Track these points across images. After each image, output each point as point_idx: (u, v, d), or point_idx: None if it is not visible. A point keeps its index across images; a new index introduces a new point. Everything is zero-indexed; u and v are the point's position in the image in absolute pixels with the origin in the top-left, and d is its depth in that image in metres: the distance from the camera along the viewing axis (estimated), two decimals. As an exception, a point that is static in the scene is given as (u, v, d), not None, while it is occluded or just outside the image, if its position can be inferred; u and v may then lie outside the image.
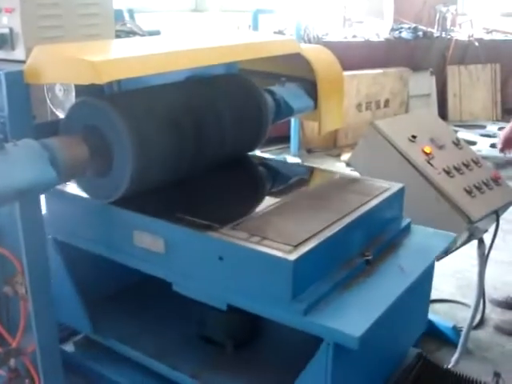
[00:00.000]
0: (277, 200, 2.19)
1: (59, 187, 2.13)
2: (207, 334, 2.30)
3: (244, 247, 1.80)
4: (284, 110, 2.59)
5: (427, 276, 2.33)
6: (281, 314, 1.78)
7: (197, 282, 1.93)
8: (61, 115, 2.48)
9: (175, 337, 2.35)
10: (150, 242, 1.99)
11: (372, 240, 2.14)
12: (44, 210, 2.22)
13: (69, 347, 2.49)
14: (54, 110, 2.53)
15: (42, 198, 2.17)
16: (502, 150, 3.89)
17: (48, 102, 2.54)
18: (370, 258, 2.02)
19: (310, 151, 7.90)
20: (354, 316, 1.75)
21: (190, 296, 1.97)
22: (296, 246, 1.79)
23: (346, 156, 7.24)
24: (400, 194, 2.34)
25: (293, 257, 1.73)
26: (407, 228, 2.35)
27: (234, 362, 2.21)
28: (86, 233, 2.18)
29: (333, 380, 1.77)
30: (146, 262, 2.04)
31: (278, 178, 2.64)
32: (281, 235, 1.86)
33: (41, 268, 1.98)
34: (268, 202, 2.20)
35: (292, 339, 2.02)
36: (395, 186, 2.34)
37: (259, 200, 2.29)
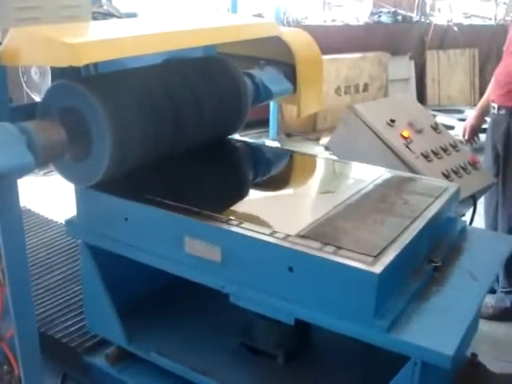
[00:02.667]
0: (334, 202, 2.00)
1: (93, 189, 2.01)
2: (255, 345, 2.13)
3: (319, 258, 1.64)
4: (263, 94, 2.59)
5: None
6: (361, 330, 1.63)
7: (261, 294, 1.75)
8: (37, 98, 2.45)
9: (219, 348, 2.14)
10: (204, 250, 1.82)
11: (436, 244, 1.99)
12: (75, 211, 2.12)
13: (99, 360, 2.26)
14: (30, 93, 2.50)
15: (72, 196, 2.10)
16: (468, 141, 3.92)
17: (24, 85, 2.50)
18: (438, 264, 1.87)
19: (288, 135, 7.91)
20: (441, 332, 1.61)
21: (252, 309, 1.83)
22: (377, 256, 1.63)
23: (324, 140, 7.26)
24: (457, 194, 2.19)
25: (378, 269, 1.57)
26: (464, 230, 2.21)
27: (286, 375, 2.05)
28: (123, 237, 2.00)
29: None
30: (199, 270, 1.86)
31: (317, 175, 2.46)
32: (356, 244, 1.71)
33: (18, 254, 1.97)
34: (325, 204, 2.00)
35: (347, 350, 1.89)
36: (452, 186, 2.20)
37: (313, 201, 2.14)
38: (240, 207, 2.01)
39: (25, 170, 1.80)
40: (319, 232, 1.77)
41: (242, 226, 1.78)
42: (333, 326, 1.69)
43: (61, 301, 2.59)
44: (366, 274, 1.56)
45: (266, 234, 1.74)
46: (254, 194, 2.22)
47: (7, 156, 1.70)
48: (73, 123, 1.93)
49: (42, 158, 1.84)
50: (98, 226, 2.06)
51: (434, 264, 1.87)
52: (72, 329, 2.38)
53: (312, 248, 1.67)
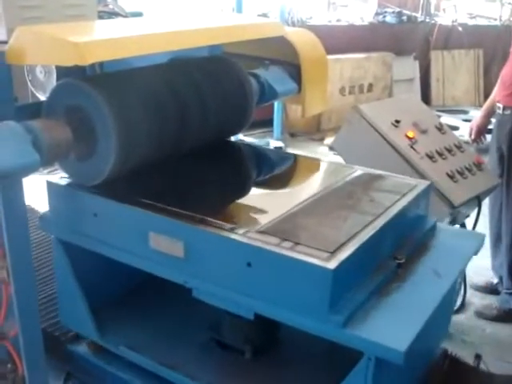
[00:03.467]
0: (300, 198, 2.03)
1: (64, 183, 2.06)
2: (223, 340, 2.16)
3: (276, 253, 1.66)
4: (268, 94, 2.59)
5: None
6: (317, 325, 1.65)
7: (221, 288, 1.79)
8: (42, 97, 2.45)
9: (188, 343, 2.20)
10: (167, 245, 1.84)
11: (401, 241, 2.00)
12: (47, 208, 2.15)
13: (82, 348, 2.34)
14: (35, 91, 2.50)
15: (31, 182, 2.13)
16: (474, 141, 3.92)
17: (29, 83, 2.51)
18: (402, 261, 1.88)
19: (293, 135, 7.90)
20: (396, 328, 1.62)
21: (212, 304, 1.85)
22: (333, 252, 1.65)
23: (329, 140, 7.24)
24: (427, 191, 2.21)
25: (332, 265, 1.59)
26: (433, 228, 2.22)
27: (253, 370, 2.07)
28: (93, 233, 2.03)
29: None
30: (163, 266, 1.89)
31: (292, 173, 2.51)
32: (315, 240, 1.73)
33: (23, 252, 1.97)
34: (291, 200, 2.03)
35: (315, 345, 1.89)
36: (422, 184, 2.21)
37: (280, 198, 2.17)
38: (209, 204, 2.03)
39: (30, 169, 1.80)
40: (279, 228, 1.79)
41: (205, 222, 1.81)
42: (290, 321, 1.71)
43: (49, 292, 2.67)
44: (321, 270, 1.58)
45: (227, 230, 1.76)
46: (225, 191, 2.21)
47: (13, 155, 1.71)
48: (78, 122, 1.93)
49: (48, 157, 1.84)
50: (68, 221, 2.10)
51: (397, 261, 1.88)
52: (57, 319, 2.45)
53: (270, 244, 1.69)
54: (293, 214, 1.90)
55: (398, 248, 1.95)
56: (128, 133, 1.94)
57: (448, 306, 2.30)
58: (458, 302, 3.69)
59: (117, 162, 1.94)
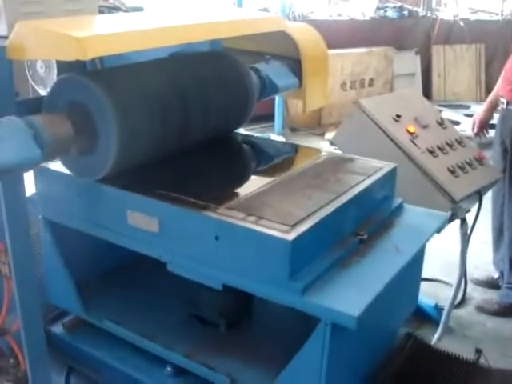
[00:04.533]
0: (271, 179, 2.15)
1: (49, 166, 2.11)
2: (200, 314, 2.27)
3: (240, 227, 1.78)
4: (269, 88, 2.58)
5: (419, 256, 2.32)
6: (278, 293, 1.75)
7: (192, 261, 1.90)
8: (42, 92, 2.45)
9: (168, 317, 2.31)
10: (143, 222, 1.95)
11: (366, 219, 2.12)
12: (34, 189, 2.19)
13: (57, 329, 2.41)
14: (36, 86, 2.50)
15: (31, 176, 2.15)
16: (477, 135, 3.92)
17: (29, 78, 2.51)
18: (364, 237, 2.00)
19: (293, 130, 7.91)
20: (351, 296, 1.73)
21: (184, 276, 1.94)
22: (293, 226, 1.76)
23: (329, 135, 7.25)
24: (392, 173, 2.32)
25: (291, 236, 1.70)
26: (400, 207, 2.33)
27: (228, 342, 2.18)
28: (77, 212, 2.13)
29: (329, 360, 1.75)
30: (140, 241, 1.99)
31: (269, 157, 2.59)
32: (278, 215, 1.84)
33: (24, 247, 1.97)
34: (262, 181, 2.14)
35: (286, 318, 2.00)
36: (388, 166, 2.32)
37: (253, 179, 2.27)
38: (186, 185, 2.09)
39: (32, 164, 1.81)
40: (246, 205, 1.91)
41: (178, 199, 1.91)
42: (255, 290, 1.84)
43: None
44: (280, 241, 1.70)
45: (197, 207, 1.87)
46: (205, 175, 2.25)
47: (15, 149, 1.71)
48: (79, 117, 1.93)
49: (49, 152, 1.85)
50: (55, 202, 2.19)
51: (359, 237, 1.99)
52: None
53: (236, 218, 1.80)
54: (261, 193, 2.02)
55: (362, 225, 2.07)
56: (129, 128, 1.94)
57: (410, 284, 2.39)
58: (459, 297, 3.70)
59: (118, 157, 1.94)
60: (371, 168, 2.28)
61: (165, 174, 2.19)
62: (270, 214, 1.84)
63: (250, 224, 1.78)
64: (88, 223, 2.11)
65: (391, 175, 2.32)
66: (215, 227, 1.82)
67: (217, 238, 1.81)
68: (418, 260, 2.33)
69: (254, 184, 2.10)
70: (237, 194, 2.01)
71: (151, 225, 1.93)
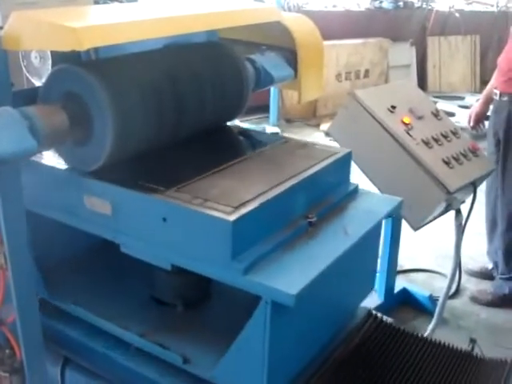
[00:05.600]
0: (228, 164, 2.19)
1: None
2: (158, 296, 2.33)
3: (186, 208, 1.85)
4: (264, 79, 2.58)
5: (373, 238, 2.40)
6: (222, 273, 1.83)
7: (143, 243, 1.97)
8: (37, 83, 2.44)
9: (128, 299, 2.38)
10: (98, 205, 2.02)
11: (317, 203, 2.16)
12: None
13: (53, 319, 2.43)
14: (30, 77, 2.49)
15: None
16: (473, 128, 3.93)
17: (24, 69, 2.50)
18: (313, 220, 2.04)
19: (289, 121, 7.91)
20: (292, 275, 1.79)
21: (136, 257, 2.01)
22: (237, 208, 1.82)
23: (325, 126, 7.26)
24: (346, 158, 2.37)
25: (232, 218, 1.77)
26: (354, 192, 2.38)
27: (184, 322, 2.25)
28: (38, 197, 2.14)
29: (271, 337, 1.81)
30: (96, 224, 2.06)
31: (237, 145, 2.60)
32: (223, 197, 1.90)
33: (20, 238, 1.97)
34: (219, 165, 2.17)
35: (243, 300, 1.99)
36: (342, 151, 2.37)
37: (211, 164, 2.23)
38: (144, 171, 2.12)
39: (27, 155, 1.80)
40: (194, 187, 1.96)
41: (130, 183, 1.97)
42: (200, 270, 1.89)
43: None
44: (222, 222, 1.76)
45: (146, 190, 1.93)
46: (175, 161, 2.27)
47: (10, 140, 1.70)
48: (75, 108, 1.92)
49: (44, 142, 1.84)
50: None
51: (308, 220, 2.03)
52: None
53: (182, 200, 1.87)
54: (212, 176, 2.07)
55: (312, 208, 2.11)
56: (124, 119, 1.94)
57: (364, 266, 2.44)
58: (454, 288, 3.72)
59: (113, 148, 1.94)
60: (326, 153, 2.33)
61: (138, 161, 2.20)
62: (216, 196, 1.90)
63: (194, 206, 1.84)
64: (48, 208, 2.15)
65: (345, 160, 2.37)
66: (162, 209, 1.88)
67: (164, 219, 1.87)
68: (372, 242, 2.40)
69: (210, 168, 2.13)
70: (189, 178, 2.04)
71: (104, 208, 2.00)
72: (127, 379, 2.27)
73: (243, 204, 1.85)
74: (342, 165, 2.35)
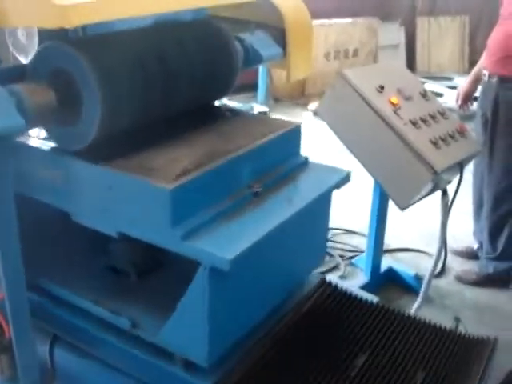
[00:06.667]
0: (178, 136, 2.23)
1: None
2: (114, 264, 2.43)
3: (129, 177, 1.91)
4: (253, 58, 2.57)
5: (321, 207, 2.46)
6: (162, 239, 1.91)
7: (91, 211, 2.05)
8: (24, 60, 2.42)
9: (85, 268, 2.46)
10: (50, 176, 2.08)
11: (263, 174, 2.23)
12: None
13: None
14: (17, 54, 2.47)
15: None
16: (461, 107, 3.95)
17: (10, 46, 2.47)
18: (258, 190, 2.11)
19: (277, 100, 7.90)
20: (229, 241, 1.86)
21: (86, 225, 2.08)
22: (178, 177, 1.89)
23: (313, 105, 7.25)
24: (296, 131, 2.42)
25: (171, 186, 1.84)
26: (303, 164, 2.45)
27: (137, 290, 2.35)
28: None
29: (211, 301, 1.89)
30: (48, 194, 2.13)
31: (198, 118, 2.53)
32: (167, 166, 1.96)
33: (8, 216, 1.96)
34: (170, 137, 2.21)
35: (192, 269, 2.02)
36: (293, 124, 2.43)
37: (167, 136, 2.26)
38: (101, 145, 2.11)
39: (15, 132, 1.80)
40: (140, 157, 2.02)
41: (80, 154, 2.01)
42: (144, 237, 1.97)
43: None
44: (162, 190, 1.84)
45: (94, 160, 1.98)
46: (143, 136, 2.26)
47: (-2, 118, 1.69)
48: (62, 86, 1.91)
49: (32, 120, 1.84)
50: None
51: (253, 190, 2.11)
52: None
53: (126, 169, 1.93)
54: (161, 147, 2.11)
55: (259, 179, 2.18)
56: (113, 96, 1.93)
57: (312, 235, 2.50)
58: (439, 267, 3.75)
59: (101, 126, 1.94)
60: (276, 126, 2.38)
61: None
62: (159, 165, 1.96)
63: (137, 174, 1.90)
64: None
65: (295, 133, 2.42)
66: (107, 178, 1.95)
67: (110, 187, 1.95)
68: (319, 211, 2.47)
69: (163, 140, 2.17)
70: (139, 150, 2.07)
71: (56, 178, 2.07)
72: (115, 357, 2.29)
73: (184, 173, 1.92)
74: (291, 138, 2.42)
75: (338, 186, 2.37)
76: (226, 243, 1.85)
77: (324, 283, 2.57)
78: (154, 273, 2.44)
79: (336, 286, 2.56)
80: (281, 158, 2.35)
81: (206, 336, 1.96)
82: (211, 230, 1.91)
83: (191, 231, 1.87)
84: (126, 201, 1.94)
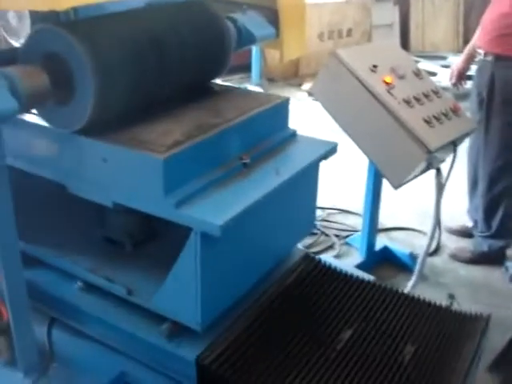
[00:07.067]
0: (170, 111, 2.27)
1: None
2: (109, 235, 2.50)
3: (122, 149, 1.97)
4: (245, 38, 2.57)
5: (308, 179, 2.53)
6: (156, 207, 1.99)
7: (87, 183, 2.10)
8: (15, 43, 2.42)
9: (80, 238, 2.55)
10: (46, 149, 2.15)
11: (253, 146, 2.31)
12: None
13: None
14: (8, 38, 2.46)
15: None
16: (455, 84, 3.95)
17: (1, 29, 2.47)
18: (247, 161, 2.19)
19: (271, 80, 7.87)
20: (220, 208, 1.94)
21: (82, 196, 2.14)
22: (169, 148, 1.96)
23: (307, 85, 7.23)
24: (283, 105, 2.49)
25: (163, 156, 1.91)
26: (291, 137, 2.52)
27: (132, 259, 2.43)
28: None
29: (202, 267, 1.98)
30: (46, 168, 2.19)
31: (192, 95, 2.56)
32: (159, 138, 2.02)
33: (3, 197, 1.97)
34: (164, 113, 2.25)
35: (185, 239, 2.09)
36: (281, 98, 2.49)
37: (164, 114, 2.29)
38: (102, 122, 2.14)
39: (8, 116, 1.79)
40: (134, 130, 2.07)
41: (75, 130, 2.06)
42: (138, 206, 2.04)
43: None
44: (155, 160, 1.91)
45: (88, 134, 2.04)
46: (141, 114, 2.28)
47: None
48: (55, 68, 1.91)
49: (25, 103, 1.83)
50: None
51: (242, 161, 2.19)
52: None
53: (120, 142, 2.00)
54: (152, 122, 2.15)
55: (248, 151, 2.26)
56: (106, 79, 1.93)
57: (300, 207, 2.58)
58: (434, 245, 3.78)
59: (95, 108, 1.94)
60: (266, 100, 2.46)
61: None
62: (152, 138, 2.02)
63: (131, 146, 1.97)
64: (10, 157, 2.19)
65: (282, 107, 2.50)
66: (102, 150, 2.01)
67: (104, 160, 2.01)
68: (306, 183, 2.53)
69: (155, 117, 2.21)
70: (133, 124, 2.12)
71: (51, 151, 2.14)
72: (113, 337, 2.31)
73: (176, 145, 1.98)
74: (279, 111, 2.49)
75: (325, 157, 2.44)
76: (217, 210, 1.92)
77: (308, 257, 2.63)
78: (149, 243, 2.51)
79: (320, 260, 2.62)
80: (269, 131, 2.42)
81: (198, 300, 2.03)
82: (202, 198, 1.99)
83: (183, 199, 1.95)
84: (120, 172, 2.01)
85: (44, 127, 2.10)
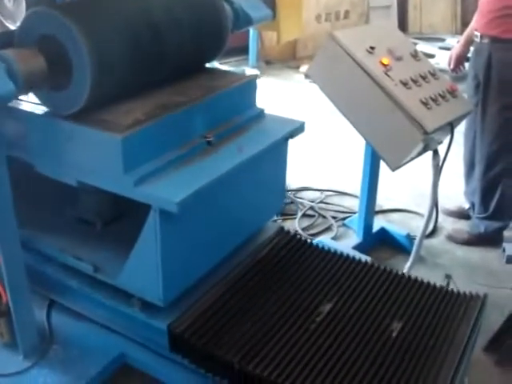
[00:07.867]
0: (145, 93, 2.26)
1: None
2: (80, 215, 2.56)
3: (85, 129, 2.01)
4: (242, 20, 2.57)
5: (275, 157, 2.57)
6: (116, 185, 2.03)
7: (53, 162, 2.15)
8: (11, 26, 2.41)
9: (52, 219, 2.61)
10: (16, 132, 2.17)
11: (217, 125, 2.33)
12: None
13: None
14: (4, 21, 2.45)
15: None
16: (454, 70, 3.94)
17: (-3, 13, 2.46)
18: (210, 139, 2.21)
19: (268, 63, 7.83)
20: (179, 186, 1.98)
21: (49, 175, 2.19)
22: (129, 127, 1.98)
23: (304, 68, 7.19)
24: (250, 84, 2.51)
25: (122, 135, 1.94)
26: (258, 116, 2.54)
27: (101, 238, 2.49)
28: None
29: (162, 244, 2.02)
30: (17, 149, 2.19)
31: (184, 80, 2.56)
32: (120, 117, 2.04)
33: (1, 182, 1.98)
34: (132, 96, 2.24)
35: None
36: (247, 77, 2.52)
37: (129, 95, 2.27)
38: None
39: (6, 99, 1.79)
40: (98, 112, 2.07)
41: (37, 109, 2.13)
42: (100, 184, 2.09)
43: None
44: (114, 139, 1.95)
45: (51, 115, 2.08)
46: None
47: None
48: (52, 51, 1.91)
49: (22, 86, 1.84)
50: None
51: (206, 139, 2.22)
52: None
53: (84, 122, 2.02)
54: (116, 103, 2.15)
55: (212, 129, 2.29)
56: (102, 60, 1.93)
57: (267, 185, 2.62)
58: (431, 227, 3.79)
59: (92, 91, 1.94)
60: (233, 79, 2.47)
61: None
62: (113, 117, 2.04)
63: (93, 126, 2.00)
64: None
65: (250, 85, 2.51)
66: (67, 130, 2.05)
67: (68, 139, 2.06)
68: (273, 161, 2.57)
69: (122, 97, 2.20)
70: (99, 104, 2.10)
71: (20, 131, 2.17)
72: (109, 318, 2.33)
73: (136, 124, 2.01)
74: (245, 90, 2.50)
75: (291, 135, 2.47)
76: (175, 187, 1.97)
77: (282, 231, 2.67)
78: (119, 222, 2.58)
79: (295, 234, 2.65)
80: (235, 110, 2.44)
81: (159, 277, 2.08)
82: (162, 177, 2.03)
83: (143, 177, 1.99)
84: (83, 151, 2.05)
85: (12, 108, 2.14)
